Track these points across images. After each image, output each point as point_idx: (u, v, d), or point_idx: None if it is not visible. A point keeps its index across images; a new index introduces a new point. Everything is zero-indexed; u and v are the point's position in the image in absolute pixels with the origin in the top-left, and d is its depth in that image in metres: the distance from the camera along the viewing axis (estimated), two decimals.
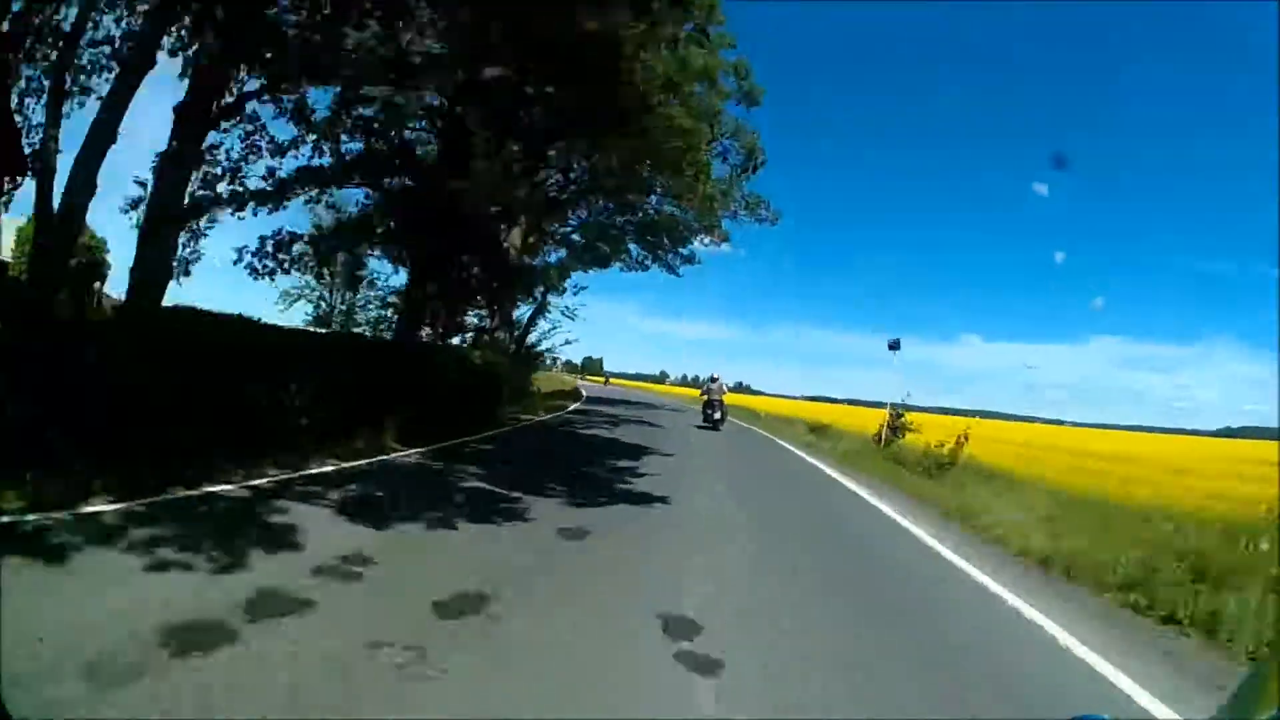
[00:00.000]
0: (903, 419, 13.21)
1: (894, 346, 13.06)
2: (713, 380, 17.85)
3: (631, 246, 24.97)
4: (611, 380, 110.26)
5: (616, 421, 17.52)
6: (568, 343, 31.52)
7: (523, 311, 24.82)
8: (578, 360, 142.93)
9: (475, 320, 22.43)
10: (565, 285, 26.63)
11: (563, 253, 25.59)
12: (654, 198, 21.56)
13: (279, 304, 21.19)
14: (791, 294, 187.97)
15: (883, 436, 13.01)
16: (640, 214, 22.35)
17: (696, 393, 48.92)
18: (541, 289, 25.08)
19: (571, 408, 21.67)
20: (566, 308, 26.01)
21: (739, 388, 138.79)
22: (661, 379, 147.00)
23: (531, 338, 25.23)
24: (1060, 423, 50.23)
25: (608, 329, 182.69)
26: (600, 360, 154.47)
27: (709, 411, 17.25)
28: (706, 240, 23.56)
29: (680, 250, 24.70)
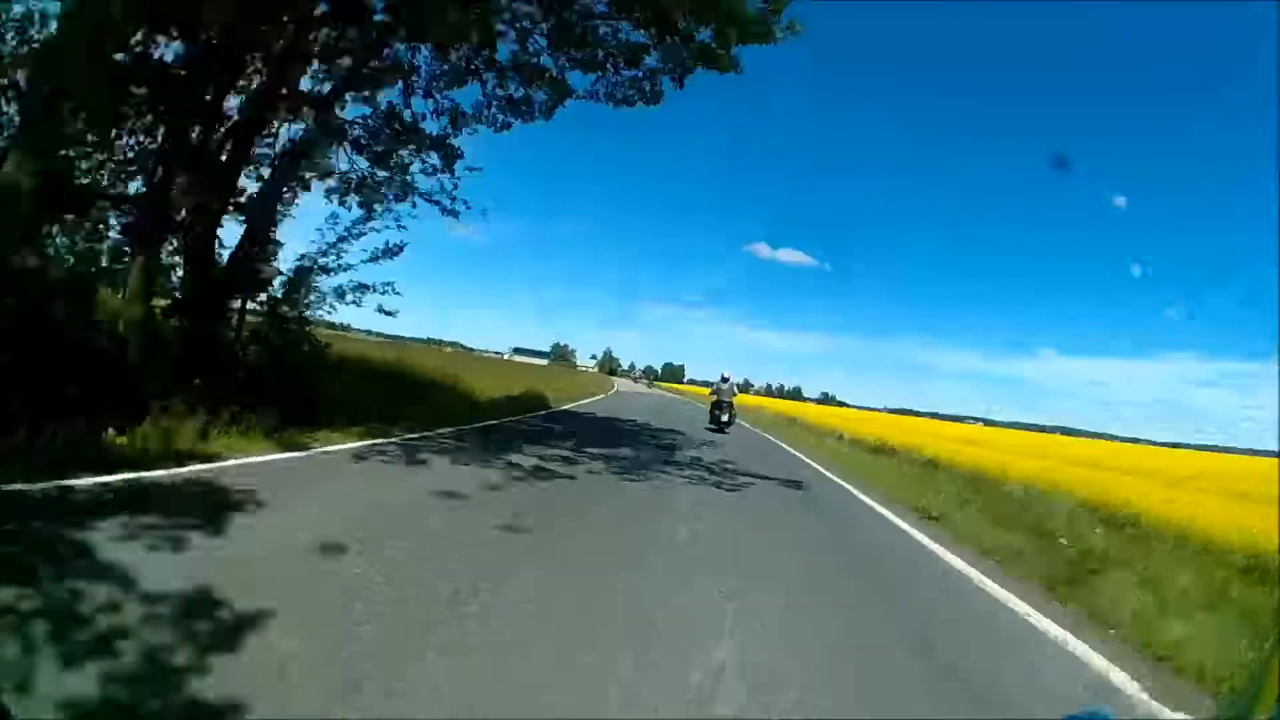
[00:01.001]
0: None
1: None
2: (723, 381, 17.62)
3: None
4: (657, 384, 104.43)
5: None
6: (381, 290, 8.96)
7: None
8: (658, 366, 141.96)
9: None
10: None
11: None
12: None
13: None
14: (875, 307, 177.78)
15: None
16: None
17: (776, 404, 43.74)
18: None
19: None
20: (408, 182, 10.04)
21: (825, 399, 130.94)
22: (745, 388, 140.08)
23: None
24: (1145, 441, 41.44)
25: (695, 338, 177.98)
26: (682, 367, 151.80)
27: (716, 413, 16.97)
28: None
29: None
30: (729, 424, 16.75)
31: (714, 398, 17.46)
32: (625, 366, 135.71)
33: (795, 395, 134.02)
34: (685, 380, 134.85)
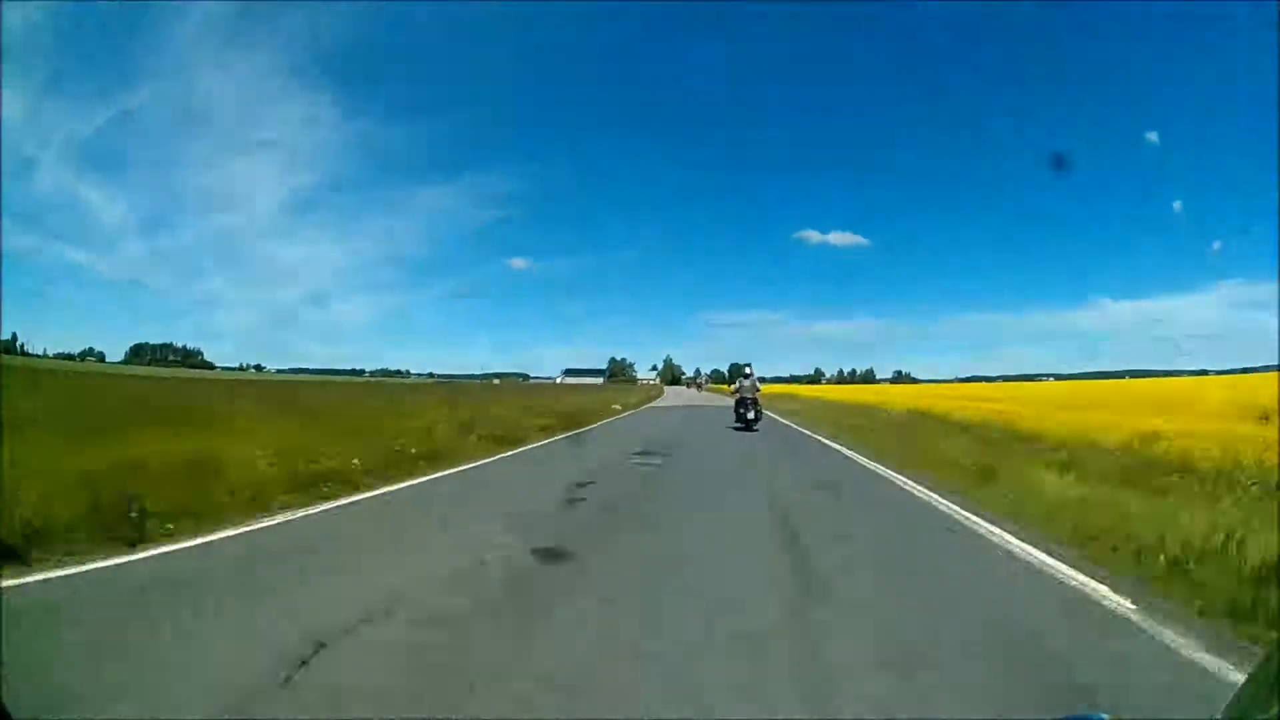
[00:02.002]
0: None
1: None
2: (745, 377, 16.86)
3: None
4: (707, 387, 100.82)
5: None
6: None
7: None
8: (723, 369, 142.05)
9: None
10: None
11: None
12: None
13: None
14: (929, 278, 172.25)
15: None
16: None
17: (849, 393, 42.64)
18: None
19: None
20: None
21: (899, 377, 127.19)
22: (817, 378, 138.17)
23: None
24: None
25: (760, 338, 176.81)
26: (748, 365, 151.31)
27: (741, 410, 16.29)
28: None
29: None
30: (756, 420, 16.28)
31: (736, 395, 17.00)
32: (690, 374, 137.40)
33: (868, 379, 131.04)
34: (696, 379, 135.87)
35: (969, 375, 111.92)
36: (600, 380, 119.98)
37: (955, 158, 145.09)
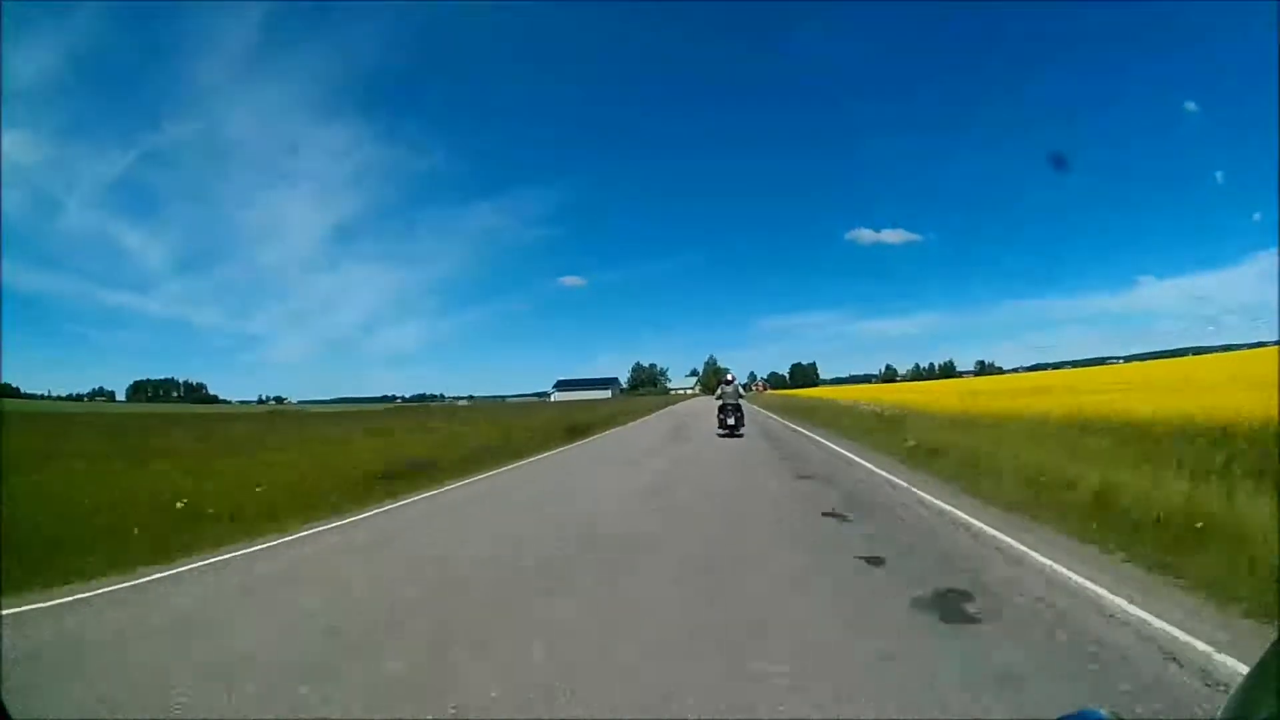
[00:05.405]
0: None
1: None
2: (726, 382, 17.66)
3: None
4: (771, 390, 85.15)
5: None
6: None
7: None
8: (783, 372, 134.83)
9: None
10: None
11: None
12: None
13: None
14: (984, 269, 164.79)
15: None
16: None
17: (925, 391, 38.62)
18: None
19: None
20: None
21: (984, 368, 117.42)
22: (890, 377, 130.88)
23: None
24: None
25: (821, 340, 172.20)
26: (813, 365, 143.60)
27: (723, 416, 16.97)
28: None
29: None
30: (737, 426, 16.86)
31: (720, 401, 17.66)
32: (742, 381, 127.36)
33: (949, 372, 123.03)
34: (819, 381, 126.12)
35: (1034, 364, 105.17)
36: (608, 393, 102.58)
37: (997, 144, 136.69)
